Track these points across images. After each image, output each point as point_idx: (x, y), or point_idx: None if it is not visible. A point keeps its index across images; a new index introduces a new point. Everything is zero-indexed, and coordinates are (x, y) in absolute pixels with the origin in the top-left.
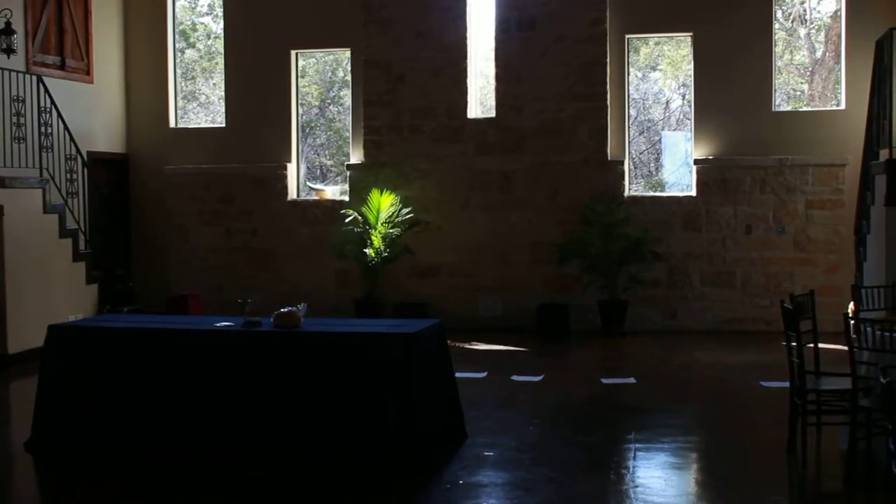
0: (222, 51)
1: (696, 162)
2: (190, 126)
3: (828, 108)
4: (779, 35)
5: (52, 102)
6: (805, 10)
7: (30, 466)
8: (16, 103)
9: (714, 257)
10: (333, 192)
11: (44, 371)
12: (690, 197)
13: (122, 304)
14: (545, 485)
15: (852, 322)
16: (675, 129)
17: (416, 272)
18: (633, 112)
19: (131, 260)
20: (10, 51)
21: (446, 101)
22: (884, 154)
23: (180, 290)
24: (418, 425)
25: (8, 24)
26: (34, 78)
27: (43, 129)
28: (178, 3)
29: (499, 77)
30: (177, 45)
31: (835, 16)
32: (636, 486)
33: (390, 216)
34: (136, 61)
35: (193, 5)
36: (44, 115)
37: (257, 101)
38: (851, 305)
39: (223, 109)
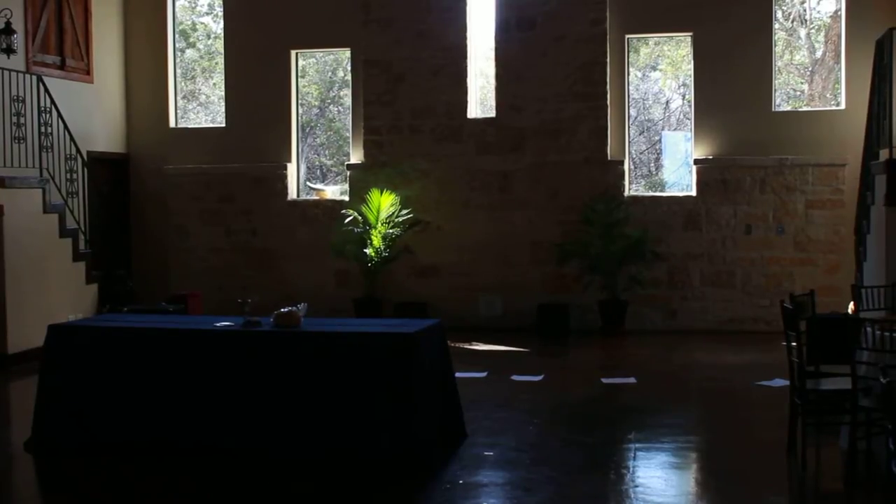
0: (222, 51)
1: (696, 162)
2: (190, 126)
3: (828, 108)
4: (779, 35)
5: (52, 102)
6: (805, 10)
7: (30, 466)
8: (16, 103)
9: (714, 257)
10: (333, 192)
11: (44, 371)
12: (690, 197)
13: (122, 304)
14: (545, 485)
15: None
16: (675, 129)
17: (416, 272)
18: (633, 112)
19: (131, 260)
20: (10, 51)
21: (446, 101)
22: (884, 154)
23: (180, 290)
24: (418, 425)
25: (8, 24)
26: (34, 78)
27: (43, 129)
28: (178, 3)
29: (499, 77)
30: (177, 45)
31: (835, 16)
32: (636, 486)
33: (390, 216)
34: (136, 61)
35: (193, 5)
36: (44, 115)
37: (257, 101)
38: (851, 305)
39: (223, 109)
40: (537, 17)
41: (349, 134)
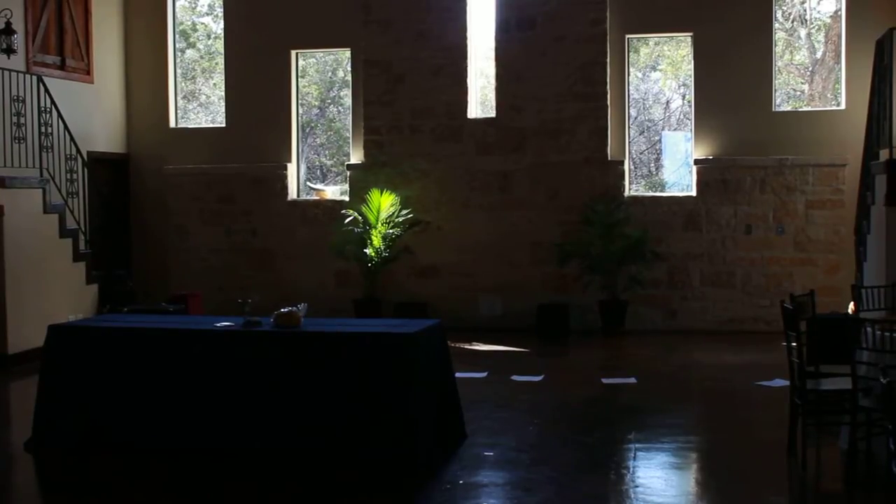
0: (222, 51)
1: (696, 162)
2: (190, 126)
3: (828, 108)
4: (779, 35)
5: (52, 102)
6: (805, 10)
7: (30, 466)
8: (16, 103)
9: (714, 257)
10: (333, 192)
11: (44, 371)
12: (690, 197)
13: (122, 305)
14: (545, 485)
15: None
16: (675, 129)
17: (416, 272)
18: (633, 112)
19: (131, 260)
20: (10, 51)
21: (446, 101)
22: (884, 154)
23: (180, 290)
24: (418, 425)
25: (8, 24)
26: (34, 78)
27: (43, 129)
28: (178, 3)
29: (499, 77)
30: (177, 45)
31: (835, 16)
32: (636, 486)
33: (390, 216)
34: (136, 61)
35: (193, 5)
36: (44, 115)
37: (257, 101)
38: (851, 305)
39: (223, 109)
40: (537, 17)
41: (349, 134)
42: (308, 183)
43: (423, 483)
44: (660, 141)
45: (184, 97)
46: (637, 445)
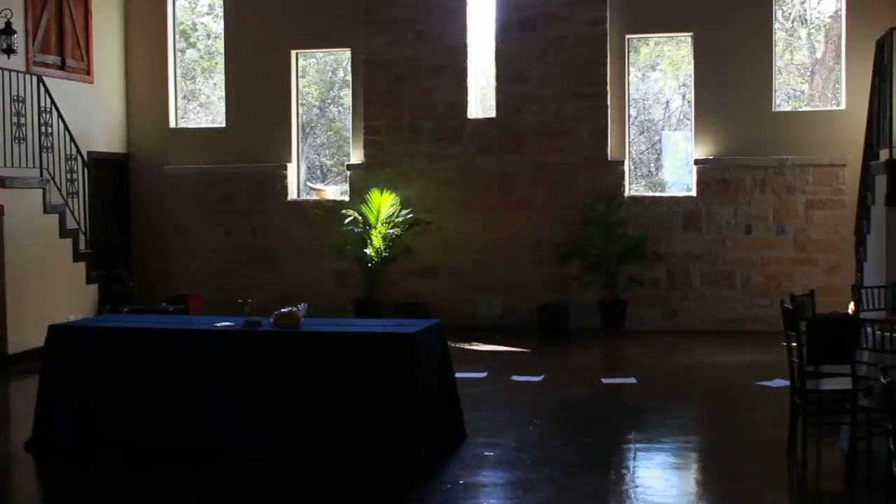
0: (222, 51)
1: (696, 162)
2: (190, 126)
3: (828, 108)
4: (779, 35)
5: (52, 102)
6: (805, 10)
7: (30, 466)
8: (16, 103)
9: (714, 257)
10: (333, 192)
11: (44, 371)
12: (690, 197)
13: (123, 305)
14: (545, 485)
15: None
16: (675, 129)
17: (416, 272)
18: (633, 112)
19: (131, 260)
20: (10, 51)
21: (446, 101)
22: (884, 154)
23: (180, 290)
24: (418, 425)
25: (8, 24)
26: (34, 78)
27: (43, 129)
28: (178, 3)
29: (499, 77)
30: (177, 45)
31: (835, 16)
32: (636, 486)
33: (390, 216)
34: (136, 61)
35: (193, 5)
36: (44, 115)
37: (257, 101)
38: (851, 305)
39: (223, 109)
40: (537, 17)
41: (349, 134)
42: (308, 183)
43: (423, 483)
44: (660, 141)
45: (184, 97)
46: (637, 445)
